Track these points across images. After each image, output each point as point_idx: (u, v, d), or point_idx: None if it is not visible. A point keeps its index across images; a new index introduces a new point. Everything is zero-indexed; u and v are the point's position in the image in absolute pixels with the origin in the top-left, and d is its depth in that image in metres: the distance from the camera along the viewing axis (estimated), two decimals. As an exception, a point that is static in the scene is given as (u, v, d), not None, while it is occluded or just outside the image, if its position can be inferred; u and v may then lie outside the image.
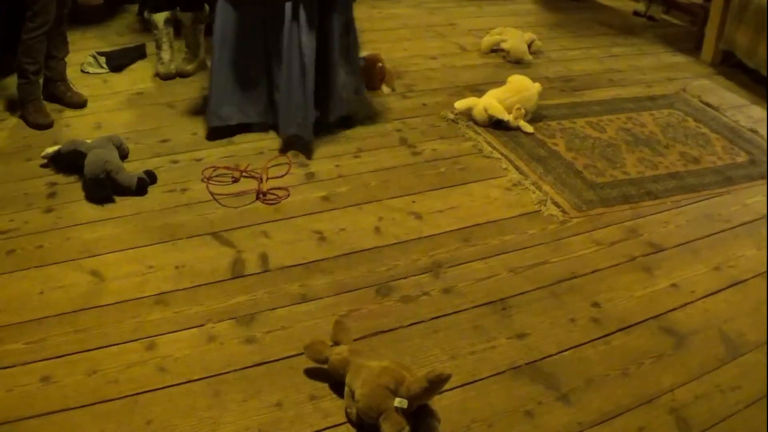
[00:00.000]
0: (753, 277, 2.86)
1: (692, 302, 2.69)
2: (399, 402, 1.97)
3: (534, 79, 4.10)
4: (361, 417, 2.04)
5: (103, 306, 2.46)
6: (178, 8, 4.19)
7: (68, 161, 3.14)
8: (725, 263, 2.92)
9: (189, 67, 4.28)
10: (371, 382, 2.03)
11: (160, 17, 4.16)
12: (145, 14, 4.37)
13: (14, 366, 2.19)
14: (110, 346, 2.29)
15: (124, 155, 3.26)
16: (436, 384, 1.96)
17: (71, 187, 3.12)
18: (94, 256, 2.69)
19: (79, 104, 3.78)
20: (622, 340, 2.48)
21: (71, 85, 3.84)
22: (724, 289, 2.78)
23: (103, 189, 3.01)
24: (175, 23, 4.26)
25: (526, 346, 2.42)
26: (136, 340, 2.32)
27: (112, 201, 3.03)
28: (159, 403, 2.10)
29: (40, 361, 2.21)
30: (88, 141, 3.17)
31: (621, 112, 4.22)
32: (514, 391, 2.24)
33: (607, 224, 3.12)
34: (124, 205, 3.02)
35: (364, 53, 4.23)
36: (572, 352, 2.41)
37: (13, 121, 3.67)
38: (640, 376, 2.34)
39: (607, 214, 3.20)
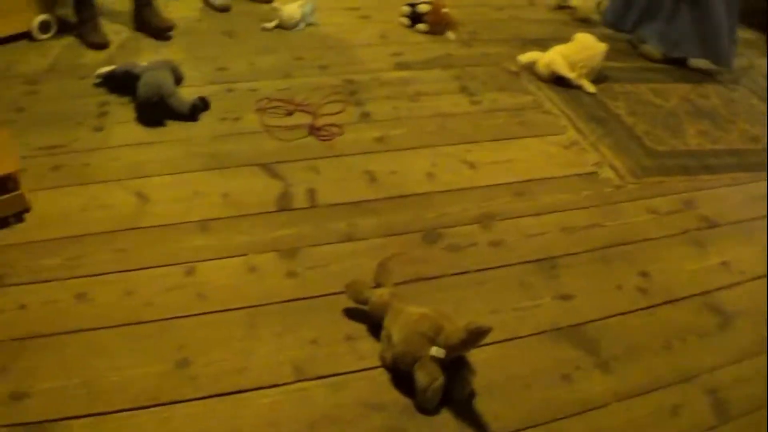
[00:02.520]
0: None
1: (741, 283, 2.50)
2: (436, 351, 1.85)
3: (599, 40, 3.89)
4: (397, 362, 1.93)
5: (145, 228, 2.37)
6: None
7: (121, 82, 3.05)
8: None
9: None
10: (409, 328, 1.91)
11: None
12: None
13: (51, 281, 2.11)
14: (149, 268, 2.21)
15: (178, 80, 3.15)
16: (476, 336, 1.83)
17: (123, 108, 3.03)
18: (140, 177, 2.61)
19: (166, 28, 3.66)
20: (668, 313, 2.32)
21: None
22: None
23: (156, 112, 2.90)
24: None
25: (571, 308, 2.28)
26: (176, 264, 2.23)
27: (162, 125, 2.92)
28: (193, 330, 2.01)
29: (76, 278, 2.13)
30: (144, 63, 3.06)
31: (685, 82, 3.98)
32: (553, 353, 2.11)
33: (663, 194, 2.93)
34: (174, 129, 2.93)
35: (428, -3, 4.07)
36: (616, 320, 2.27)
37: (69, 39, 3.56)
38: (682, 352, 2.19)
39: (664, 183, 3.01)
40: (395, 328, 1.95)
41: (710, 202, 2.93)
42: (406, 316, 1.95)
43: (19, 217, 2.33)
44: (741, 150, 3.35)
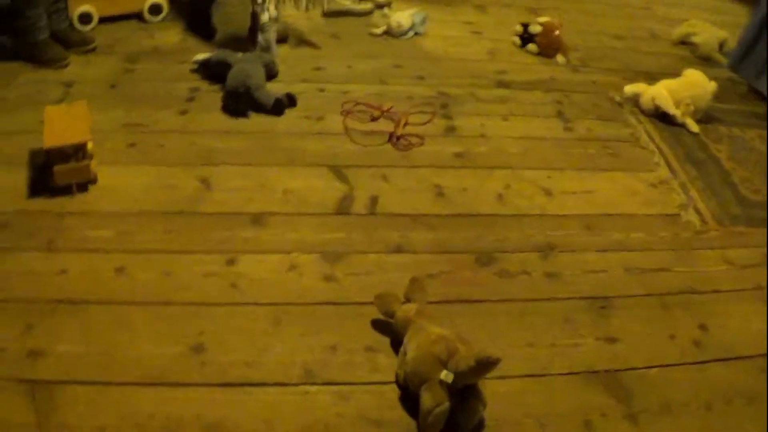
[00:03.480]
0: None
1: None
2: (445, 375, 1.78)
3: (717, 80, 3.68)
4: (407, 381, 1.87)
5: (200, 213, 2.42)
6: None
7: (215, 70, 3.12)
8: None
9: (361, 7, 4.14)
10: (424, 348, 1.85)
11: None
12: None
13: (96, 251, 2.18)
14: (192, 252, 2.25)
15: (271, 74, 3.20)
16: (484, 366, 1.74)
17: (211, 96, 3.10)
18: (210, 165, 2.66)
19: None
20: (719, 372, 2.14)
21: None
22: None
23: (241, 103, 2.95)
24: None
25: (613, 351, 2.14)
26: (220, 252, 2.26)
27: (246, 116, 2.96)
28: (217, 318, 2.03)
29: (121, 252, 2.19)
30: (239, 54, 3.11)
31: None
32: (581, 396, 1.99)
33: (746, 245, 2.71)
34: (256, 121, 2.97)
35: (541, 19, 3.95)
36: (659, 371, 2.11)
37: (178, 24, 3.70)
38: (723, 416, 2.01)
39: (749, 234, 2.79)
40: (412, 346, 1.90)
41: None
42: (425, 336, 1.89)
43: (83, 187, 2.42)
44: None
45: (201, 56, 3.18)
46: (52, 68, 3.16)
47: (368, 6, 4.16)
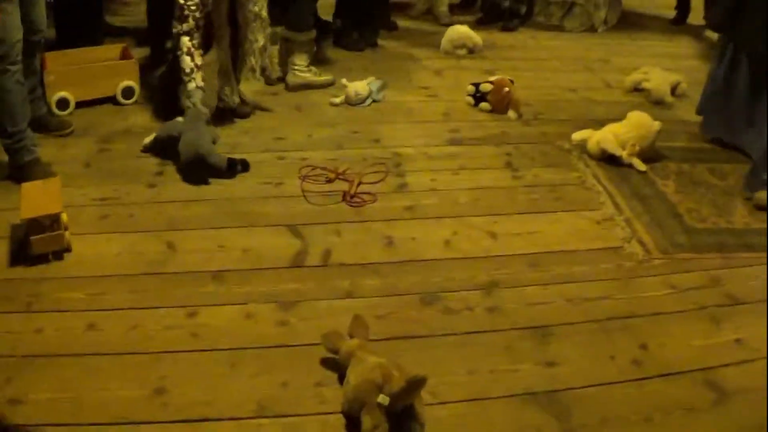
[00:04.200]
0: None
1: (752, 360, 2.45)
2: (382, 398, 2.02)
3: (671, 122, 4.00)
4: (349, 407, 2.11)
5: (165, 273, 2.69)
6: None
7: (165, 146, 3.43)
8: None
9: (321, 79, 4.49)
10: (363, 376, 2.10)
11: None
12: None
13: (69, 311, 2.44)
14: (157, 308, 2.51)
15: (214, 139, 3.48)
16: (413, 385, 1.99)
17: (177, 170, 3.41)
18: (176, 230, 2.94)
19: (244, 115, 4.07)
20: (658, 387, 2.32)
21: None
22: None
23: (198, 171, 3.26)
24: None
25: (552, 375, 2.34)
26: (182, 306, 2.52)
27: (207, 183, 3.27)
28: (179, 363, 2.28)
29: (92, 310, 2.46)
30: (179, 120, 3.45)
31: (749, 162, 3.95)
32: (519, 417, 2.18)
33: (690, 270, 2.92)
34: (219, 189, 3.26)
35: (493, 77, 4.27)
36: (598, 389, 2.29)
37: (153, 106, 4.06)
38: (663, 427, 2.18)
39: (693, 260, 3.00)
40: (352, 375, 2.14)
41: (741, 279, 2.89)
42: (364, 365, 2.14)
43: (59, 255, 2.71)
44: None
45: (148, 139, 3.50)
46: None
47: (329, 77, 4.50)
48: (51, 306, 2.51)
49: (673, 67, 4.99)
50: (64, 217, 2.73)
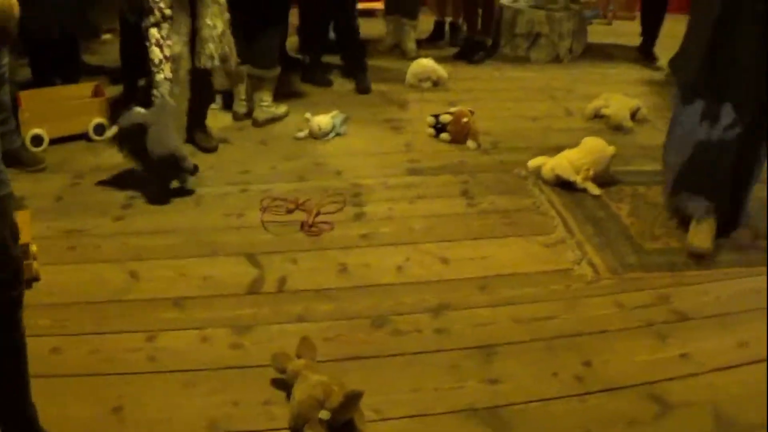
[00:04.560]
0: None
1: (697, 374, 2.54)
2: (323, 414, 2.18)
3: (630, 147, 4.18)
4: (294, 423, 2.27)
5: (127, 300, 2.85)
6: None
7: (129, 135, 3.58)
8: (756, 340, 2.70)
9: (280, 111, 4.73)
10: (306, 392, 2.26)
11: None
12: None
13: (36, 336, 2.56)
14: (119, 332, 2.66)
15: (180, 129, 3.75)
16: (351, 400, 2.16)
17: (143, 202, 3.60)
18: (139, 260, 3.10)
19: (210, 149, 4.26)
20: (600, 401, 2.41)
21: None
22: (741, 366, 2.59)
23: (167, 169, 3.51)
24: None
25: (495, 391, 2.43)
26: (142, 331, 2.67)
27: (173, 211, 3.48)
28: (136, 384, 2.42)
29: (57, 335, 2.63)
30: (141, 111, 3.61)
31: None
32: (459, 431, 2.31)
33: (639, 289, 3.03)
34: (183, 220, 3.44)
35: (453, 108, 4.46)
36: (540, 405, 2.39)
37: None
38: None
39: (642, 279, 3.10)
40: (297, 393, 2.30)
41: (690, 296, 3.00)
42: (307, 382, 2.30)
43: (28, 284, 2.85)
44: (746, 246, 3.40)
45: (110, 132, 3.67)
46: None
47: (283, 109, 4.74)
48: (18, 331, 2.67)
49: (634, 93, 5.22)
50: (34, 247, 2.89)
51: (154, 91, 3.74)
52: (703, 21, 3.18)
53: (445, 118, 4.46)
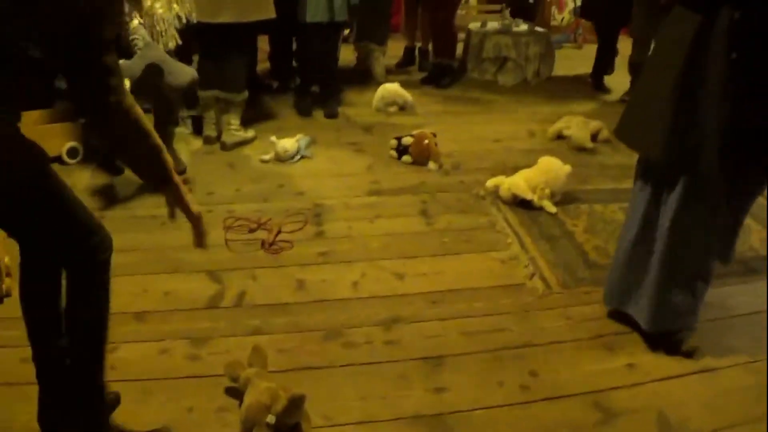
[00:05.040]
0: (728, 367, 2.79)
1: (643, 383, 2.70)
2: (269, 418, 2.35)
3: (590, 167, 4.43)
4: (243, 428, 2.43)
5: (89, 316, 3.00)
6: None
7: (148, 82, 3.82)
8: (703, 350, 2.85)
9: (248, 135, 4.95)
10: (254, 398, 2.42)
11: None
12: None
13: (6, 346, 2.72)
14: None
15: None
16: (294, 403, 2.32)
17: (115, 221, 3.74)
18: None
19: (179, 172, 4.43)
20: (545, 409, 2.55)
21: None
22: (687, 375, 2.74)
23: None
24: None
25: (441, 399, 2.58)
26: (104, 343, 2.83)
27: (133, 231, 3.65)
28: (96, 393, 2.58)
29: (26, 346, 2.72)
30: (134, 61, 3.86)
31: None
32: (405, 437, 2.45)
33: (590, 302, 3.17)
34: (149, 239, 3.60)
35: (415, 131, 4.65)
36: (484, 412, 2.53)
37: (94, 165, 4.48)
38: None
39: (594, 292, 3.22)
40: (246, 398, 2.47)
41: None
42: (256, 389, 2.47)
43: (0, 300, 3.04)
44: None
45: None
46: None
47: (251, 133, 4.95)
48: (-9, 343, 2.81)
49: (598, 114, 5.44)
50: (7, 260, 3.05)
51: (135, 36, 3.89)
52: (661, 81, 2.63)
53: (407, 140, 4.65)
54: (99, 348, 2.27)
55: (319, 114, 5.66)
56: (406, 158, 4.65)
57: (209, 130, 4.87)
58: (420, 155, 4.58)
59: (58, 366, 2.25)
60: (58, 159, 4.44)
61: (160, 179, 2.15)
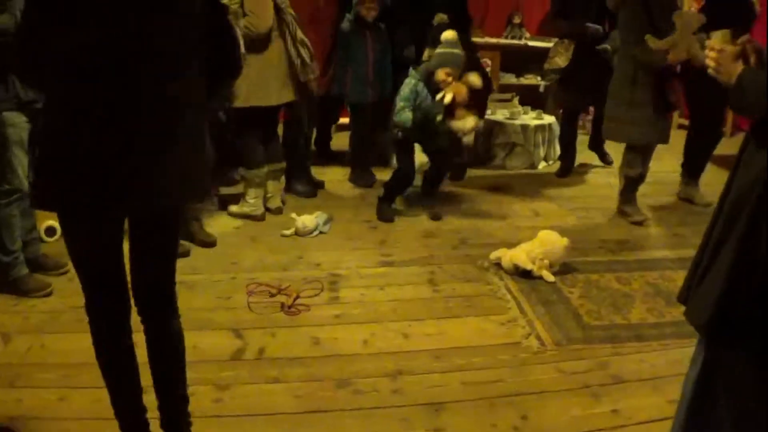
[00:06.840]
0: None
1: (625, 426, 2.96)
2: None
3: (593, 242, 4.82)
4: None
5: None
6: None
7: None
8: None
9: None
10: None
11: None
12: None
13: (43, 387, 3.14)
14: (91, 388, 3.11)
15: None
16: None
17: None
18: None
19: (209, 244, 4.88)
20: None
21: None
22: (669, 419, 2.65)
23: None
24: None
25: None
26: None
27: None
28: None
29: (63, 387, 3.16)
30: None
31: (656, 270, 4.64)
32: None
33: (581, 358, 3.48)
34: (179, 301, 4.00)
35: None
36: None
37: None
38: None
39: (585, 349, 3.56)
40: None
41: (627, 364, 3.44)
42: None
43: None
44: (683, 321, 3.78)
45: None
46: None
47: (261, 211, 5.44)
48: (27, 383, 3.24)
49: (604, 195, 5.95)
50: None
51: None
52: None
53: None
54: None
55: (337, 191, 6.24)
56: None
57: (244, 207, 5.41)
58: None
59: None
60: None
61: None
